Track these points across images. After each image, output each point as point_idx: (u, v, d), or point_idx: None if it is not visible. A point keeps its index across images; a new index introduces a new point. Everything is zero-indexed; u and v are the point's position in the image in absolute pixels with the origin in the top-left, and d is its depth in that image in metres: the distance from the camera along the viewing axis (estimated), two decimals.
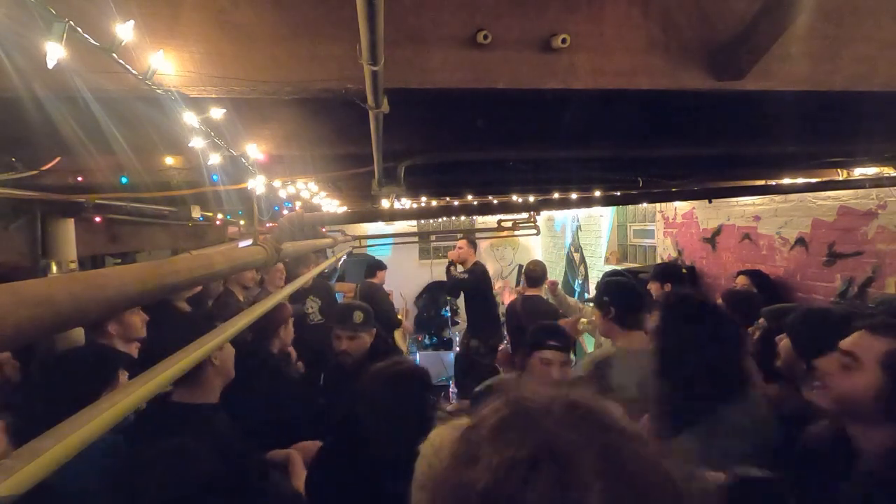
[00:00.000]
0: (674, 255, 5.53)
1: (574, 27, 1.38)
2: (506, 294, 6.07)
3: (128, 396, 0.81)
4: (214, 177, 2.01)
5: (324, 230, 5.81)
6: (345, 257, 7.57)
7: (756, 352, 2.00)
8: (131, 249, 3.48)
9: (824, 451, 1.20)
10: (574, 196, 3.59)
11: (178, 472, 1.14)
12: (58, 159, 1.81)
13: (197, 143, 1.45)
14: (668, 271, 3.58)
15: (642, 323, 2.17)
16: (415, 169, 2.24)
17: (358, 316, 2.44)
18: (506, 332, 4.77)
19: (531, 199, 4.02)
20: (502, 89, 1.39)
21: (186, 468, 1.16)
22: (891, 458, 1.01)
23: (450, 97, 1.54)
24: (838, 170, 3.28)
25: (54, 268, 2.36)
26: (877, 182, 3.04)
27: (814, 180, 3.37)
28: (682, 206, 5.35)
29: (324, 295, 4.37)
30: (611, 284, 2.42)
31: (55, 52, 0.86)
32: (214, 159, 1.64)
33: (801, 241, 3.86)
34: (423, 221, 9.15)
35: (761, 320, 2.10)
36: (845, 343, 1.15)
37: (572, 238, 8.35)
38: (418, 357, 7.09)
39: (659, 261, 5.74)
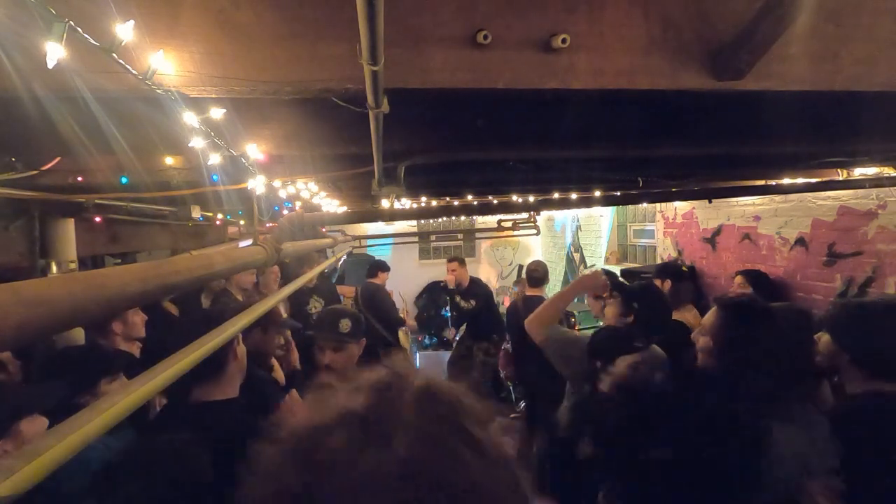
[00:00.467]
0: (674, 255, 5.53)
1: (574, 27, 1.38)
2: (506, 299, 6.15)
3: (128, 396, 0.81)
4: (214, 177, 2.01)
5: (324, 230, 5.81)
6: (345, 257, 7.56)
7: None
8: (131, 249, 3.49)
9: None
10: (574, 196, 3.59)
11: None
12: (58, 159, 1.81)
13: (197, 143, 1.45)
14: (668, 269, 3.58)
15: None
16: (415, 169, 2.24)
17: (345, 324, 2.09)
18: (506, 333, 4.79)
19: (531, 199, 4.02)
20: (502, 89, 1.39)
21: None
22: None
23: (450, 97, 1.54)
24: (838, 170, 3.28)
25: (54, 268, 2.36)
26: (877, 182, 3.04)
27: (814, 180, 3.37)
28: (682, 206, 5.35)
29: (327, 295, 4.37)
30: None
31: (55, 52, 0.86)
32: (214, 159, 1.64)
33: (801, 241, 3.86)
34: (423, 221, 9.16)
35: None
36: None
37: (572, 238, 8.35)
38: (418, 357, 7.10)
39: (659, 261, 5.74)
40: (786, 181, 3.42)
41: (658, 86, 1.45)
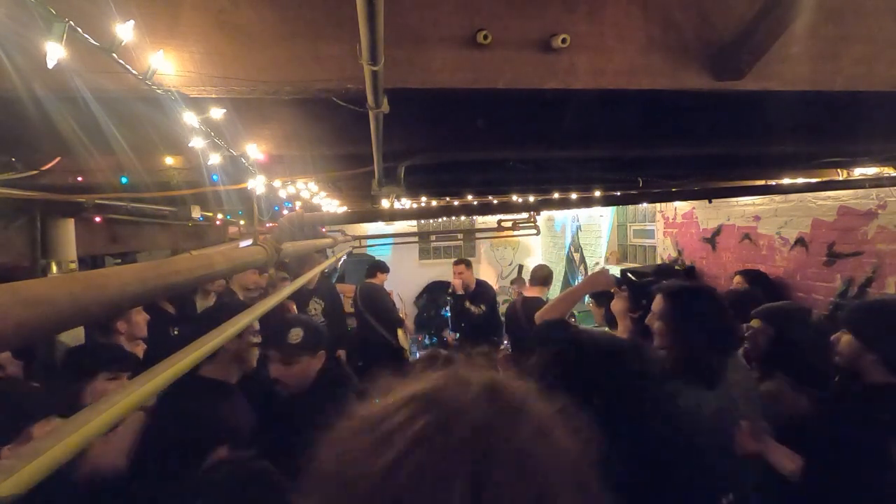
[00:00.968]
0: (674, 255, 5.53)
1: (574, 27, 1.38)
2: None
3: (128, 396, 0.81)
4: (214, 177, 2.01)
5: (324, 230, 5.81)
6: (345, 257, 7.56)
7: (759, 352, 2.02)
8: (131, 249, 3.49)
9: None
10: (574, 196, 3.59)
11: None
12: (58, 159, 1.81)
13: (197, 143, 1.45)
14: (662, 271, 3.60)
15: None
16: (415, 169, 2.24)
17: (295, 334, 1.86)
18: (505, 333, 4.80)
19: (531, 199, 4.02)
20: (502, 89, 1.39)
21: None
22: None
23: (450, 97, 1.55)
24: (838, 170, 3.28)
25: (54, 268, 2.36)
26: (877, 182, 3.04)
27: (814, 180, 3.37)
28: (682, 206, 5.35)
29: (327, 296, 4.36)
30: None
31: (55, 52, 0.86)
32: (214, 159, 1.64)
33: (801, 241, 3.86)
34: (423, 221, 9.15)
35: (754, 321, 2.09)
36: None
37: (572, 238, 8.35)
38: (418, 357, 7.07)
39: (659, 261, 5.75)
40: (786, 181, 3.43)
41: (658, 86, 1.45)
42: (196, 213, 3.11)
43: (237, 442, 1.54)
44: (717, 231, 4.81)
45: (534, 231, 7.28)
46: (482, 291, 5.08)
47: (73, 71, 1.04)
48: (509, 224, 7.23)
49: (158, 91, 1.16)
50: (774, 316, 2.08)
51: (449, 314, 6.16)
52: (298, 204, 2.99)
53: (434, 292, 9.00)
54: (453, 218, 9.46)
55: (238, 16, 1.26)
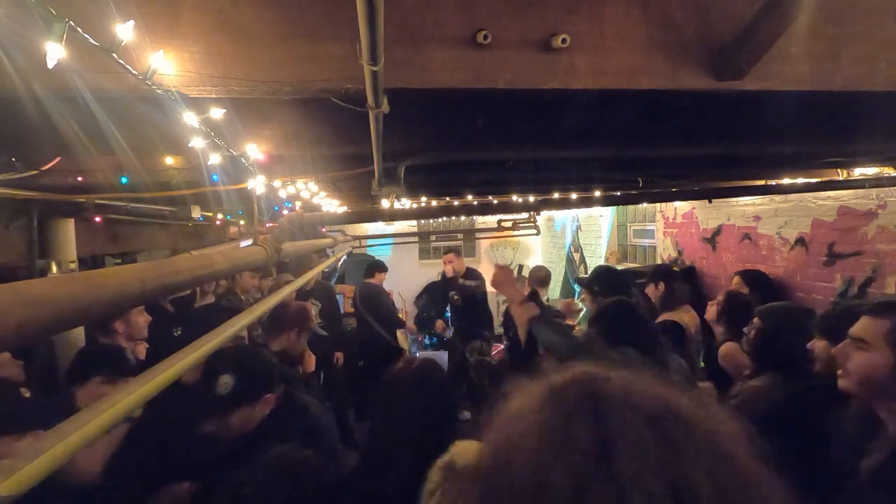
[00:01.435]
0: (674, 255, 5.53)
1: (574, 27, 1.38)
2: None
3: (128, 396, 0.81)
4: (214, 177, 2.01)
5: (324, 230, 5.81)
6: (345, 257, 7.56)
7: (752, 348, 2.08)
8: (131, 249, 3.49)
9: (853, 431, 1.28)
10: (574, 196, 3.59)
11: None
12: (58, 159, 1.81)
13: (197, 143, 1.45)
14: (660, 271, 3.58)
15: None
16: (415, 169, 2.24)
17: (224, 383, 1.51)
18: (504, 335, 4.82)
19: (531, 199, 4.02)
20: (502, 89, 1.39)
21: None
22: None
23: (450, 97, 1.54)
24: (838, 170, 3.28)
25: (54, 268, 2.36)
26: (877, 182, 3.04)
27: (814, 180, 3.37)
28: (682, 206, 5.35)
29: (324, 298, 4.36)
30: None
31: (55, 52, 0.86)
32: (214, 159, 1.64)
33: (801, 241, 3.86)
34: (423, 221, 9.15)
35: (755, 319, 2.12)
36: (854, 330, 1.25)
37: (572, 238, 8.35)
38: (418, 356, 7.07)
39: (659, 261, 5.74)
40: (786, 181, 3.42)
41: (658, 86, 1.45)
42: (196, 213, 3.11)
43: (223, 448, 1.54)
44: (717, 231, 4.81)
45: (534, 231, 7.27)
46: (472, 273, 5.23)
47: (73, 71, 1.04)
48: (509, 224, 7.22)
49: (158, 91, 1.16)
50: (770, 315, 2.12)
51: (449, 314, 6.16)
52: (298, 204, 2.99)
53: (434, 292, 8.99)
54: (453, 218, 9.46)
55: (238, 16, 1.26)
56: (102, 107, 1.27)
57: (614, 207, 6.95)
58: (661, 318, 3.23)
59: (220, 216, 3.95)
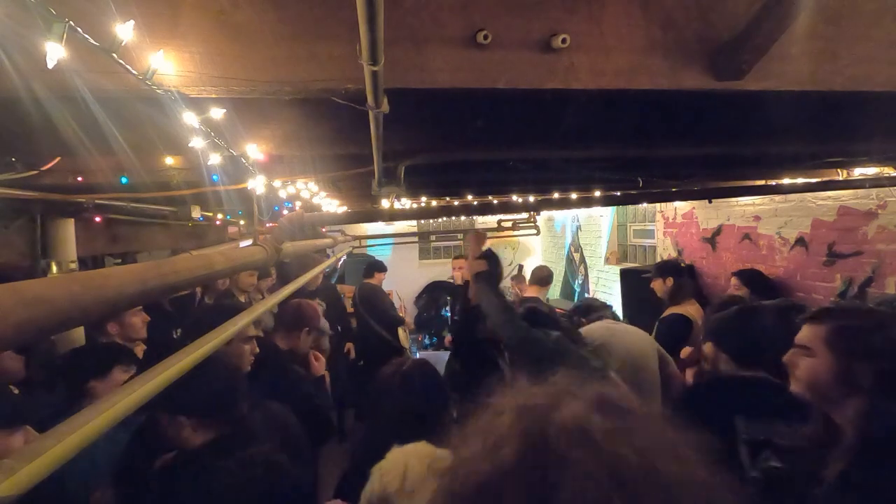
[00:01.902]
0: (674, 254, 5.53)
1: (574, 27, 1.38)
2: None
3: (128, 396, 0.81)
4: (214, 177, 2.01)
5: (324, 230, 5.81)
6: (345, 258, 7.56)
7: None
8: (131, 249, 3.49)
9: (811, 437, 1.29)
10: (574, 196, 3.58)
11: None
12: (58, 159, 1.81)
13: (197, 143, 1.45)
14: (668, 266, 3.62)
15: None
16: (415, 169, 2.24)
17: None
18: None
19: (531, 199, 4.02)
20: (502, 89, 1.39)
21: None
22: (862, 424, 1.11)
23: (450, 97, 1.54)
24: (838, 170, 3.28)
25: (54, 268, 2.36)
26: (877, 182, 3.04)
27: (814, 180, 3.37)
28: (682, 206, 5.35)
29: (330, 298, 4.37)
30: None
31: (55, 52, 0.86)
32: (214, 159, 1.64)
33: (801, 241, 3.86)
34: (423, 221, 9.15)
35: None
36: (798, 337, 1.28)
37: (572, 238, 8.35)
38: (418, 356, 7.08)
39: (659, 261, 5.75)
40: (786, 181, 3.42)
41: (658, 86, 1.45)
42: (196, 213, 3.10)
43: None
44: (717, 231, 4.81)
45: (534, 231, 7.27)
46: None
47: (73, 71, 1.04)
48: (509, 224, 7.22)
49: (158, 91, 1.16)
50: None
51: (449, 314, 6.16)
52: (298, 204, 2.99)
53: (434, 292, 9.00)
54: (453, 218, 9.46)
55: (238, 16, 1.26)
56: (102, 107, 1.27)
57: (614, 207, 6.95)
58: (668, 312, 3.30)
59: (220, 216, 3.94)
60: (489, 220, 8.47)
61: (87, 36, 0.92)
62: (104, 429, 0.74)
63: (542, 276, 4.19)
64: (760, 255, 4.25)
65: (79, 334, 2.22)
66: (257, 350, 1.99)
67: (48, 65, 0.87)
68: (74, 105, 1.23)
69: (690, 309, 3.29)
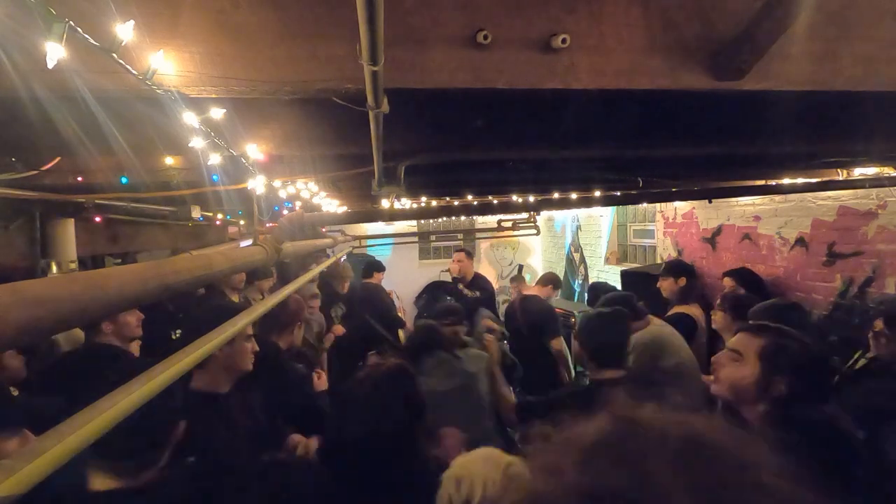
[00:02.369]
0: (674, 254, 5.52)
1: (574, 27, 1.38)
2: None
3: (128, 396, 0.81)
4: (214, 177, 2.01)
5: (324, 230, 5.80)
6: (344, 257, 7.55)
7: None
8: (131, 249, 3.48)
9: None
10: (574, 196, 3.59)
11: None
12: (58, 159, 1.81)
13: (197, 143, 1.45)
14: (681, 267, 3.67)
15: None
16: (415, 169, 2.24)
17: None
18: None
19: (531, 199, 4.02)
20: (502, 89, 1.39)
21: None
22: (766, 423, 1.28)
23: (450, 97, 1.54)
24: (838, 170, 3.28)
25: (54, 268, 2.36)
26: (877, 182, 3.04)
27: (814, 180, 3.37)
28: (682, 206, 5.34)
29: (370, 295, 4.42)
30: None
31: (55, 52, 0.86)
32: (214, 159, 1.64)
33: (801, 241, 3.86)
34: (423, 221, 9.14)
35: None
36: (732, 342, 1.43)
37: (572, 238, 8.35)
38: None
39: (659, 261, 5.74)
40: (786, 181, 3.43)
41: (658, 86, 1.45)
42: (196, 213, 3.11)
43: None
44: (717, 231, 4.81)
45: (534, 231, 7.27)
46: (478, 281, 5.06)
47: (73, 71, 1.04)
48: (509, 224, 7.22)
49: (158, 91, 1.16)
50: (757, 313, 2.28)
51: None
52: (298, 204, 2.99)
53: (434, 292, 8.98)
54: (453, 218, 9.46)
55: (238, 16, 1.26)
56: (102, 107, 1.27)
57: (614, 207, 6.95)
58: (673, 311, 3.33)
59: (220, 216, 3.95)
60: (489, 220, 8.47)
61: (87, 36, 0.92)
62: (104, 429, 0.74)
63: (550, 279, 4.31)
64: (760, 255, 4.25)
65: (78, 334, 2.22)
66: (256, 348, 1.98)
67: (48, 65, 0.87)
68: (74, 105, 1.23)
69: (694, 309, 3.32)
